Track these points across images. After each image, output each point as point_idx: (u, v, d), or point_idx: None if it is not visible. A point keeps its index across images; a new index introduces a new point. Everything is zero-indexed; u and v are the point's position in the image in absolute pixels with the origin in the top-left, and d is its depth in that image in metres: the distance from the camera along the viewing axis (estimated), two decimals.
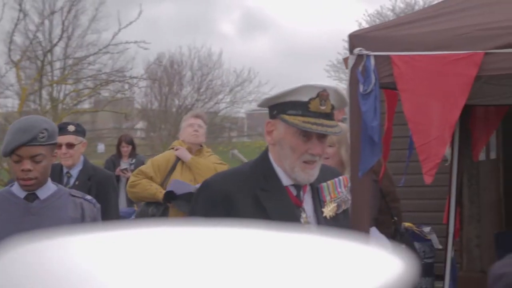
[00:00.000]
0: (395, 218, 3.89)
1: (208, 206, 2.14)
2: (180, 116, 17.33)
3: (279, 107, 2.13)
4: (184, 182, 4.72)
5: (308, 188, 2.20)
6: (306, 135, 2.10)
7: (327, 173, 2.25)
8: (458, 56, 2.94)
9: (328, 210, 2.20)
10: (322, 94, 2.09)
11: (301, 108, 2.09)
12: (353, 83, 3.18)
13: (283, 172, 2.16)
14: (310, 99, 2.09)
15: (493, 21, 2.98)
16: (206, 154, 5.04)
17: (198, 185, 4.75)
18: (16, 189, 2.70)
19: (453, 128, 2.97)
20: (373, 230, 3.38)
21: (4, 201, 2.68)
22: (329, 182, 2.23)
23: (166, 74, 19.63)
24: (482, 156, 5.87)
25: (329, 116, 2.11)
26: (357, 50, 3.14)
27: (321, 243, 0.46)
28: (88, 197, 2.82)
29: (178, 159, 4.81)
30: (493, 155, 6.63)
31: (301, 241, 0.46)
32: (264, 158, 2.21)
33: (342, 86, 3.40)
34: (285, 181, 2.17)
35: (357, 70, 3.14)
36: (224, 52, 34.65)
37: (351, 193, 3.39)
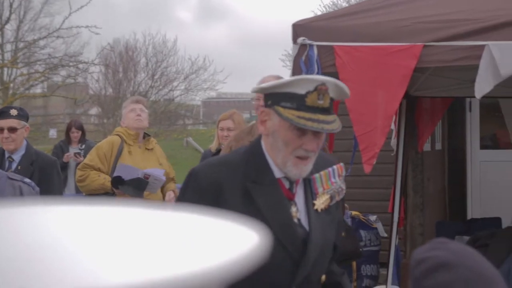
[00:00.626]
0: None
1: (196, 195, 2.06)
2: None
3: (274, 97, 2.02)
4: (131, 166, 4.69)
5: (300, 180, 2.12)
6: (301, 129, 1.99)
7: (320, 163, 2.15)
8: (398, 48, 3.00)
9: (320, 203, 2.13)
10: (321, 88, 1.98)
11: (297, 101, 1.98)
12: (296, 72, 3.21)
13: (275, 164, 2.07)
14: (307, 93, 1.98)
15: (433, 14, 3.05)
16: (155, 145, 5.01)
17: (146, 170, 4.75)
18: None
19: (391, 118, 3.03)
20: None
21: None
22: (322, 172, 2.15)
23: (121, 60, 19.39)
24: (427, 147, 6.00)
25: (327, 110, 1.99)
26: (300, 40, 3.17)
27: (175, 219, 0.47)
28: (27, 180, 2.76)
29: (123, 142, 4.76)
30: (438, 146, 6.79)
31: (159, 218, 0.47)
32: (256, 148, 2.11)
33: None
34: (278, 173, 2.08)
35: (300, 59, 3.18)
36: (179, 39, 34.32)
37: None
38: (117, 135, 4.76)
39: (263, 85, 2.04)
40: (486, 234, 3.66)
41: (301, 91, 1.97)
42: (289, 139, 2.03)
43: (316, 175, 2.13)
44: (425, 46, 2.96)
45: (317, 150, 2.05)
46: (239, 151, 2.20)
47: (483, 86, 2.89)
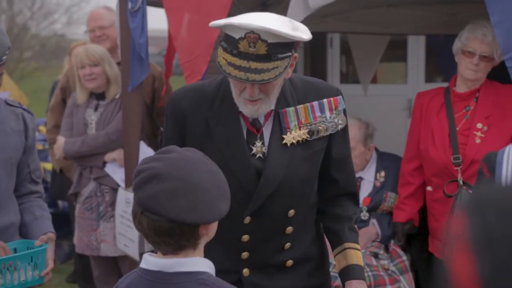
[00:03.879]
0: None
1: (170, 119, 2.14)
2: (11, 36, 16.40)
3: (223, 33, 1.97)
4: None
5: (272, 113, 2.08)
6: None
7: (310, 94, 2.11)
8: None
9: (291, 137, 2.08)
10: (249, 36, 1.88)
11: (232, 45, 1.91)
12: (122, 0, 3.26)
13: None
14: (239, 38, 1.89)
15: None
16: None
17: None
18: None
19: (212, 46, 3.15)
20: (141, 144, 3.57)
21: None
22: (300, 106, 2.09)
23: None
24: None
25: (266, 57, 1.89)
26: None
27: None
28: (25, 106, 2.56)
29: None
30: None
31: None
32: (227, 78, 2.05)
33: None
34: None
35: None
36: None
37: (123, 107, 3.54)
38: None
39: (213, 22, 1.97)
40: None
41: (235, 35, 1.90)
42: (233, 82, 2.01)
43: (289, 109, 2.08)
44: None
45: (266, 93, 1.98)
46: (218, 80, 2.15)
47: (294, 18, 3.05)
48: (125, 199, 3.63)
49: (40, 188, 2.63)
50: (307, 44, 7.19)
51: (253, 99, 1.99)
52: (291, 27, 1.93)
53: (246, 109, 2.03)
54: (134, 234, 3.56)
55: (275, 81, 1.97)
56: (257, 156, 2.09)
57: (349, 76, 7.78)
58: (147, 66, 3.31)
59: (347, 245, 2.20)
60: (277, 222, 2.14)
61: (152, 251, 1.71)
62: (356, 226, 2.26)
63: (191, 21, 3.14)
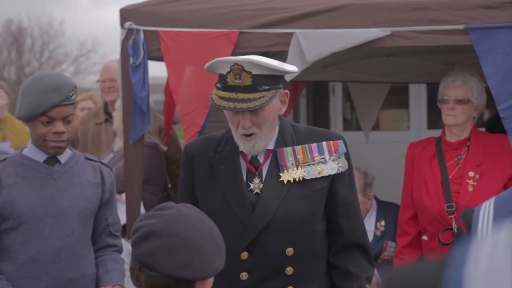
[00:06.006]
0: None
1: (183, 167, 2.29)
2: (18, 86, 16.65)
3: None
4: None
5: (271, 153, 2.19)
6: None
7: (311, 137, 2.22)
8: (217, 34, 3.19)
9: (288, 175, 2.16)
10: (234, 68, 2.05)
11: (222, 81, 2.08)
12: (124, 55, 3.35)
13: None
14: (227, 73, 2.07)
15: (250, 3, 3.26)
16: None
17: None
18: (31, 153, 2.50)
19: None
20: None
21: (20, 167, 2.47)
22: (298, 146, 2.19)
23: (8, 41, 18.69)
24: None
25: (251, 88, 2.04)
26: (127, 24, 3.31)
27: None
28: (104, 161, 2.71)
29: None
30: None
31: None
32: None
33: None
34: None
35: (127, 43, 3.31)
36: (68, 20, 33.09)
37: (125, 160, 3.58)
38: None
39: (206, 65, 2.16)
40: None
41: (223, 71, 2.08)
42: (229, 118, 2.14)
43: (286, 149, 2.18)
44: (241, 32, 3.18)
45: (259, 126, 2.10)
46: (225, 129, 2.28)
47: None
48: (127, 250, 3.62)
49: (119, 242, 2.71)
50: (309, 92, 7.28)
51: (247, 133, 2.11)
52: (276, 63, 2.08)
53: (244, 146, 2.14)
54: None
55: (266, 114, 2.10)
56: (255, 192, 2.17)
57: (352, 123, 7.82)
58: (148, 119, 3.37)
59: None
60: (275, 260, 2.15)
61: None
62: (367, 286, 2.24)
63: (190, 76, 3.22)
